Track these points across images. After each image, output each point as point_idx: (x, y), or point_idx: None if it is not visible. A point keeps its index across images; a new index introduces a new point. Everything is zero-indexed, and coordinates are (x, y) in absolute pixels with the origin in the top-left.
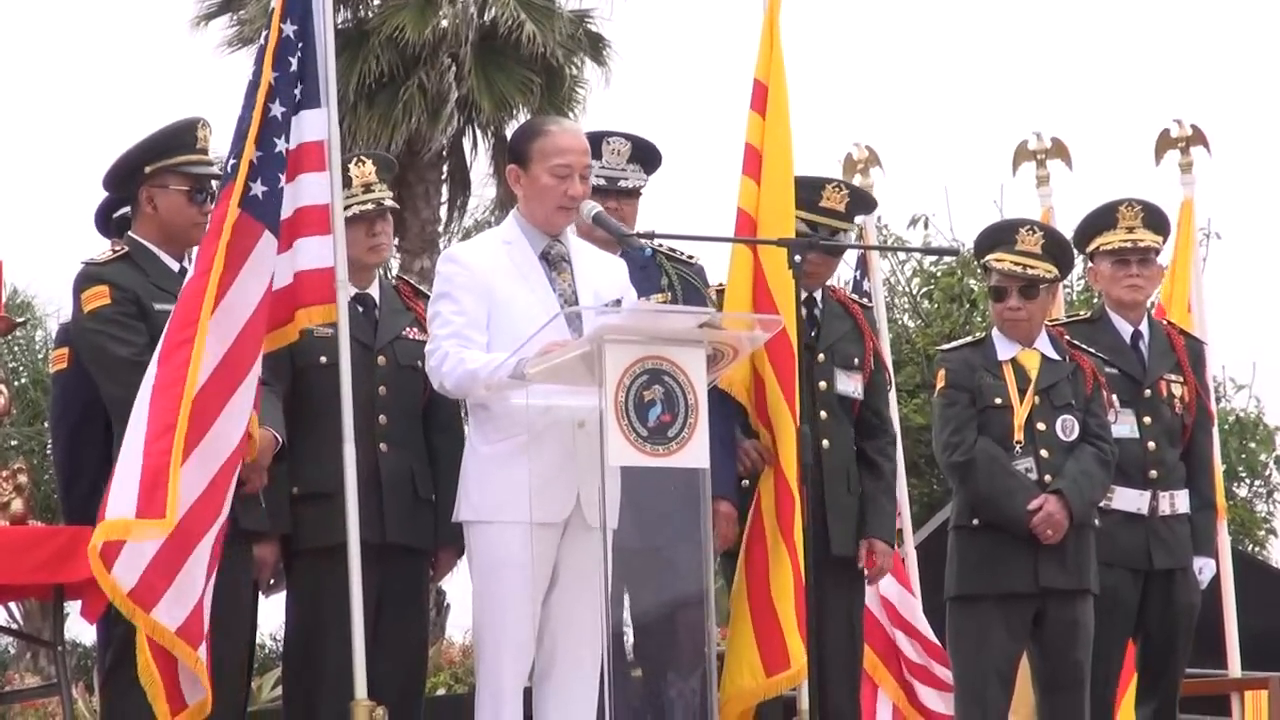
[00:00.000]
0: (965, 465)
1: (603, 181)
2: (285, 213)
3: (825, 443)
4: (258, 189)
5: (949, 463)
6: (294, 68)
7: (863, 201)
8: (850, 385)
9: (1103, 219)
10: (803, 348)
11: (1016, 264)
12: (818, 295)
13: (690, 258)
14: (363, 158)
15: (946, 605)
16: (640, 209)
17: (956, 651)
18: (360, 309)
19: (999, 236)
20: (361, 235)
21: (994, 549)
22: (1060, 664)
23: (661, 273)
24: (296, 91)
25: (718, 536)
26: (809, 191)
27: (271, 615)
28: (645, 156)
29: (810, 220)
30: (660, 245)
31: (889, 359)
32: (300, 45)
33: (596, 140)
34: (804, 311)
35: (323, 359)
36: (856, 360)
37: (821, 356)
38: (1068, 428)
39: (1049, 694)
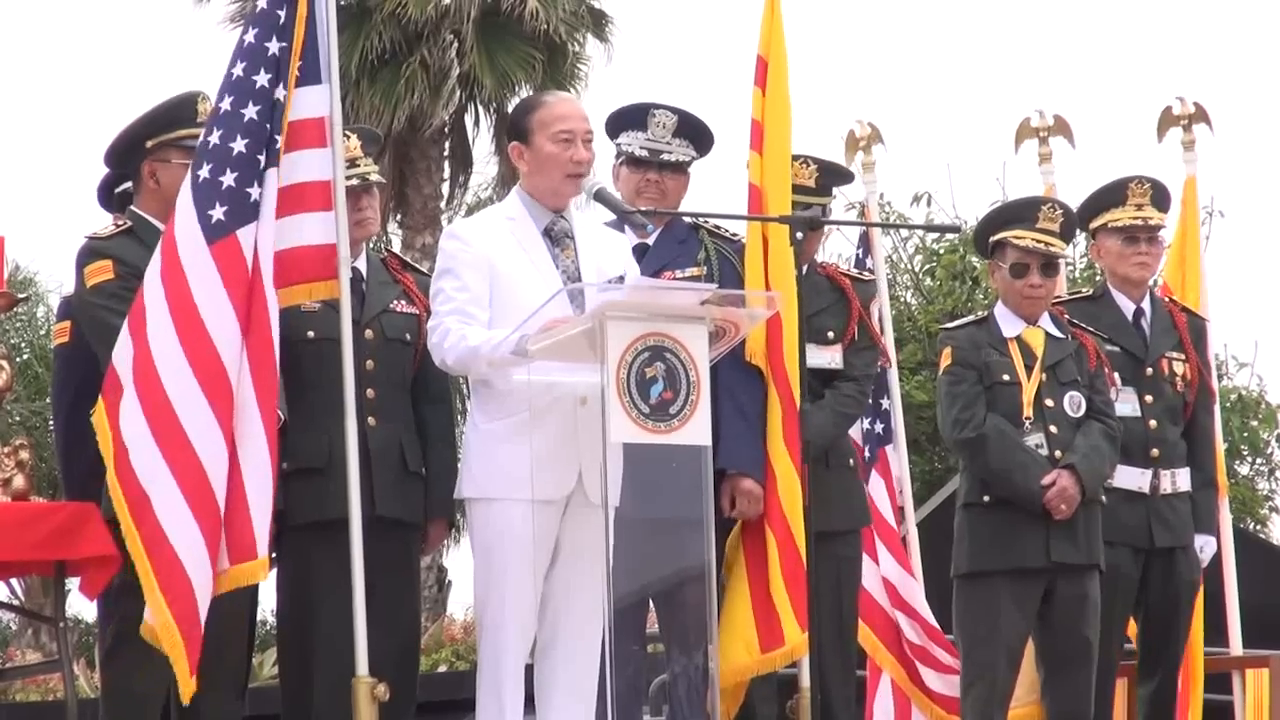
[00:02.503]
0: (976, 441)
1: (645, 153)
2: (281, 184)
3: None
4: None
5: (959, 439)
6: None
7: (835, 174)
8: (824, 357)
9: (1111, 196)
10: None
11: (1039, 241)
12: (801, 271)
13: (734, 235)
14: (347, 132)
15: (954, 583)
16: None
17: (965, 629)
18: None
19: (1018, 213)
20: (348, 210)
21: (1005, 525)
22: (1068, 640)
23: (701, 247)
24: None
25: (739, 513)
26: None
27: (272, 592)
28: (694, 133)
29: None
30: (705, 222)
31: (890, 336)
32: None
33: (643, 112)
34: None
35: (310, 334)
36: (832, 333)
37: None
38: (1075, 404)
39: (1054, 672)
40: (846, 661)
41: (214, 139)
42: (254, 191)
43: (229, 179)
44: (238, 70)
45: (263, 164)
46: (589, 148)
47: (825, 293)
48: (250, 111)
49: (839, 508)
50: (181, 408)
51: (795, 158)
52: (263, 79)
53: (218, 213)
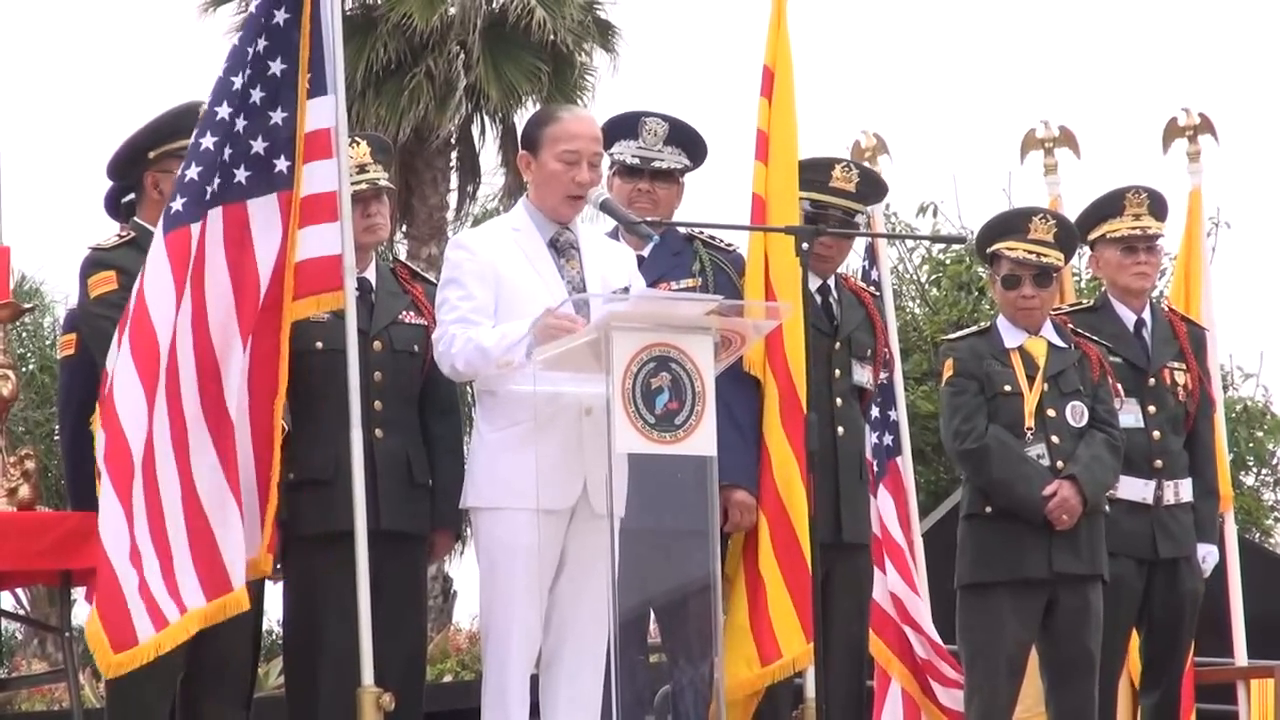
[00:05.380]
0: (977, 452)
1: (637, 161)
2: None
3: (840, 429)
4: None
5: (960, 450)
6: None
7: (873, 183)
8: (864, 376)
9: (1109, 206)
10: (819, 334)
11: (1030, 252)
12: (831, 283)
13: (729, 246)
14: (357, 139)
15: (957, 594)
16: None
17: (968, 640)
18: (357, 293)
19: (1010, 225)
20: (357, 216)
21: (1007, 536)
22: (1071, 650)
23: (695, 258)
24: (273, 66)
25: (731, 524)
26: (818, 172)
27: (278, 602)
28: (686, 141)
29: (821, 201)
30: (701, 232)
31: (896, 347)
32: (280, 17)
33: (634, 120)
34: (819, 299)
35: (319, 344)
36: (869, 351)
37: (838, 345)
38: (1077, 414)
39: (1058, 683)
40: (857, 673)
41: (192, 139)
42: (210, 187)
43: (192, 172)
44: (219, 73)
45: (228, 159)
46: (595, 170)
47: (856, 308)
48: (223, 111)
49: (866, 520)
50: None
51: (837, 161)
52: (239, 80)
53: (176, 204)
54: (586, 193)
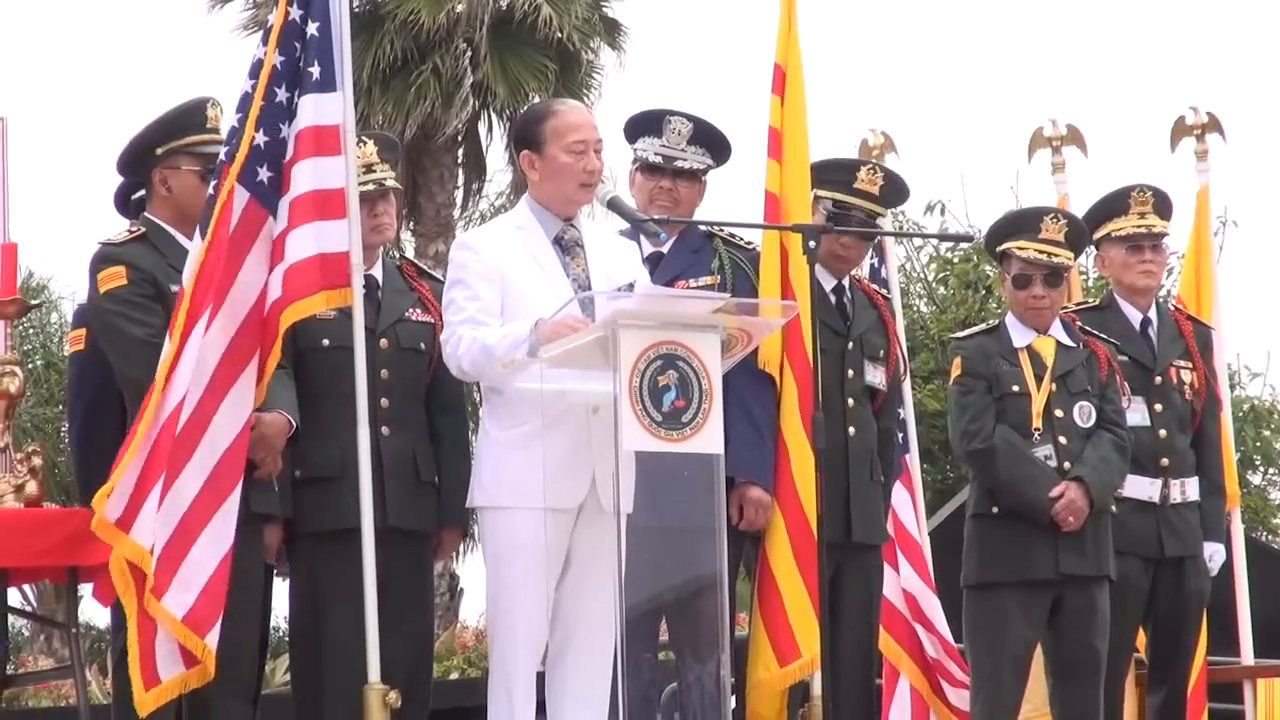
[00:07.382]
0: (985, 453)
1: (660, 160)
2: (296, 192)
3: (851, 430)
4: (264, 174)
5: (967, 450)
6: (298, 52)
7: (897, 188)
8: (876, 376)
9: (1114, 205)
10: (832, 335)
11: (1041, 252)
12: (845, 283)
13: (749, 244)
14: (364, 138)
15: (964, 593)
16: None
17: (974, 639)
18: (363, 290)
19: (1021, 224)
20: (364, 216)
21: (1014, 536)
22: (1077, 650)
23: (715, 256)
24: (314, 70)
25: (747, 521)
26: (843, 173)
27: (285, 598)
28: (710, 141)
29: (844, 202)
30: (721, 230)
31: (904, 346)
32: (313, 28)
33: (659, 118)
34: (833, 299)
35: (325, 341)
36: (882, 352)
37: (851, 345)
38: (1085, 414)
39: (1063, 682)
40: (868, 674)
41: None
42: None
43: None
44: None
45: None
46: (600, 157)
47: (868, 309)
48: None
49: (880, 521)
50: None
51: (863, 163)
52: (281, 95)
53: None
54: (598, 179)
